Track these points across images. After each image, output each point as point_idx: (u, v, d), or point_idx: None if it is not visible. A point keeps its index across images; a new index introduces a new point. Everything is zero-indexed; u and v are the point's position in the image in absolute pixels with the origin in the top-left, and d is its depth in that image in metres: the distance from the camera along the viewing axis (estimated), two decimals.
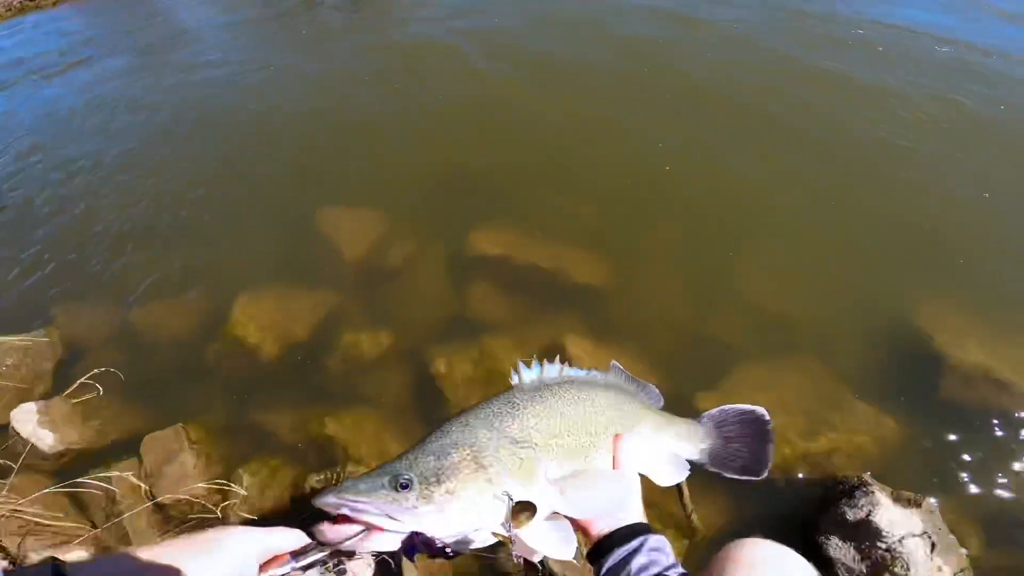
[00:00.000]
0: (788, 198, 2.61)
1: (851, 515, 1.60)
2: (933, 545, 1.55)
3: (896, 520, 1.58)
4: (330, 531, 0.75)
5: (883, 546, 1.54)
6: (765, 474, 1.12)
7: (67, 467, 2.19)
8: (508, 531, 0.78)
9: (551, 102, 3.60)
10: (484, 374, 2.11)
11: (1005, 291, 2.15)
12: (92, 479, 1.98)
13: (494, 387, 2.04)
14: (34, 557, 1.88)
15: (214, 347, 2.48)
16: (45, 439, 2.23)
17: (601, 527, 0.88)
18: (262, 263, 2.82)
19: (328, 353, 2.34)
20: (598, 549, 0.87)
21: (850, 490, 1.66)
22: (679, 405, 1.86)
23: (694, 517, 1.71)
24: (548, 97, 3.67)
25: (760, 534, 1.62)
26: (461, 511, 0.78)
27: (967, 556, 1.57)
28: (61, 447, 2.22)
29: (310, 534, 0.78)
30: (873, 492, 1.62)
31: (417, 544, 0.75)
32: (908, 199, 2.54)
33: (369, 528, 0.74)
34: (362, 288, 2.57)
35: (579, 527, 0.89)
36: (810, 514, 1.69)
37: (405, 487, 0.77)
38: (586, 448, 0.95)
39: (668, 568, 0.83)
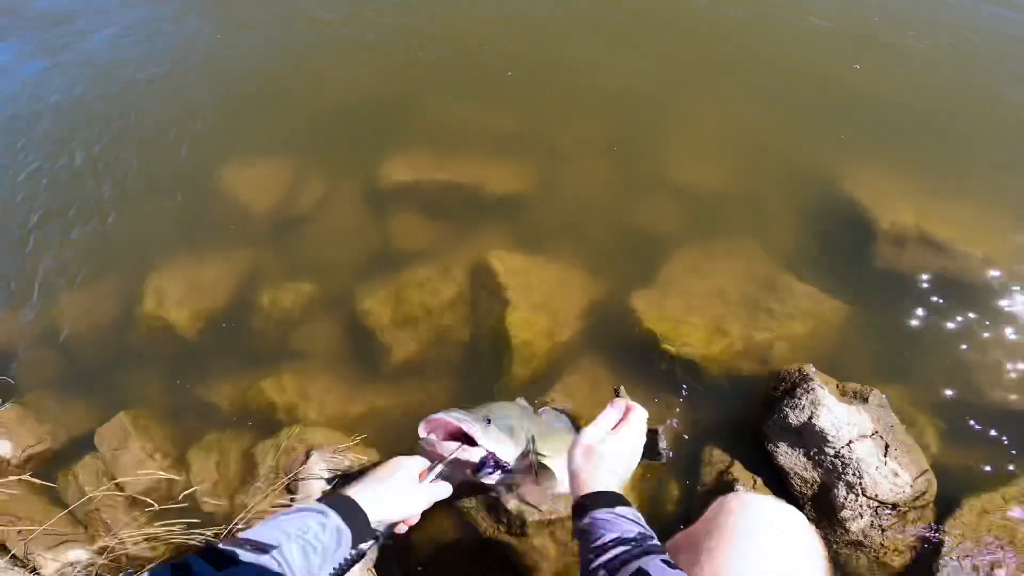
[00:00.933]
0: (706, 79, 2.45)
1: (794, 418, 1.47)
2: (887, 447, 1.42)
3: (841, 421, 1.44)
4: (442, 446, 1.14)
5: (831, 452, 1.42)
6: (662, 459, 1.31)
7: (36, 469, 2.13)
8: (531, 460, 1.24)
9: (446, 9, 3.27)
10: (415, 309, 1.98)
11: (935, 152, 2.05)
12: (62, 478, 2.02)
13: (428, 320, 1.95)
14: (41, 559, 2.01)
15: (135, 331, 2.31)
16: (3, 448, 2.17)
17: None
18: (166, 235, 2.59)
19: (252, 315, 2.18)
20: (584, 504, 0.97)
21: (791, 387, 1.52)
22: (617, 307, 1.83)
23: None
24: (441, 5, 3.30)
25: (715, 445, 1.67)
26: (515, 444, 1.23)
27: (928, 454, 1.47)
28: (21, 453, 2.14)
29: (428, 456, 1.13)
30: (814, 389, 1.48)
31: (488, 459, 1.15)
32: (828, 70, 2.39)
33: (464, 442, 1.14)
34: (275, 241, 2.37)
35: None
36: (754, 418, 1.59)
37: (488, 422, 1.20)
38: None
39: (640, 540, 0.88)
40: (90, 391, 2.28)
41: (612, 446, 1.06)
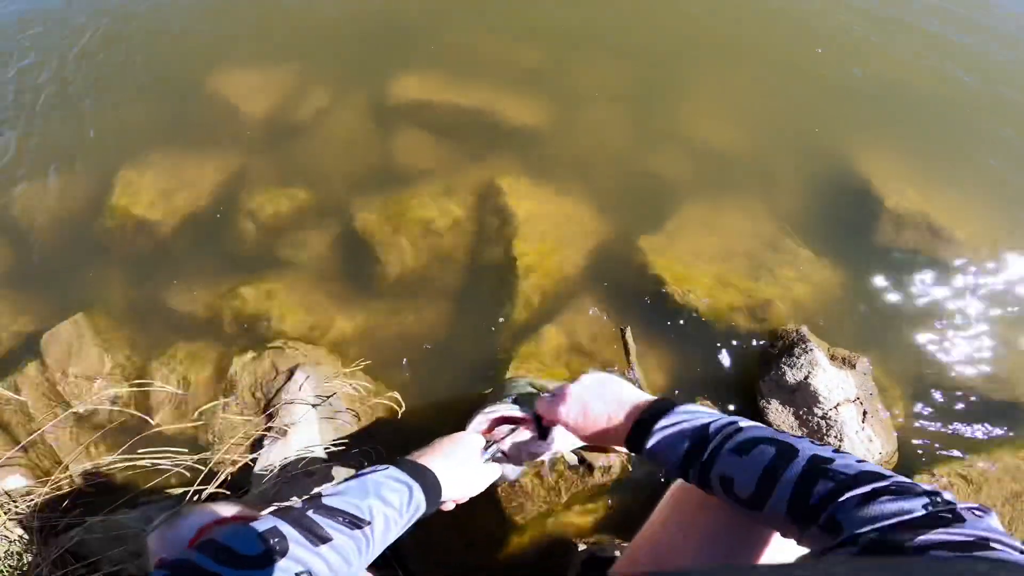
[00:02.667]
0: (734, 43, 2.36)
1: (791, 376, 1.49)
2: (864, 413, 1.45)
3: (833, 384, 1.47)
4: (499, 431, 1.10)
5: (819, 413, 1.45)
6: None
7: None
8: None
9: None
10: (415, 226, 1.87)
11: (947, 142, 2.05)
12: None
13: (428, 239, 1.84)
14: None
15: (102, 225, 2.11)
16: None
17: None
18: (148, 132, 2.37)
19: (236, 218, 2.01)
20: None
21: (789, 346, 1.54)
22: (624, 249, 1.77)
23: (640, 375, 1.65)
24: None
25: (705, 396, 1.66)
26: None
27: (894, 424, 1.51)
28: None
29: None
30: (812, 350, 1.50)
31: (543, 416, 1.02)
32: (860, 46, 2.34)
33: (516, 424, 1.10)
34: (270, 146, 2.20)
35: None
36: (752, 371, 1.59)
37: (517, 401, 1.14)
38: None
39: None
40: (43, 289, 2.06)
41: (576, 386, 0.93)
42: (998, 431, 1.54)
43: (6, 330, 2.01)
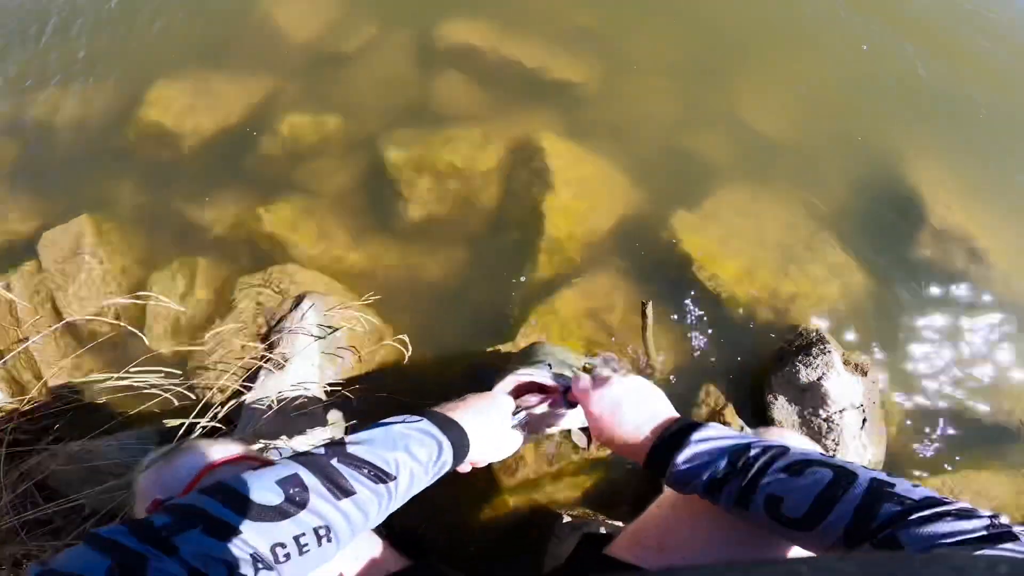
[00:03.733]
0: (798, 30, 2.24)
1: (804, 375, 1.44)
2: (864, 420, 1.43)
3: (843, 388, 1.43)
4: (530, 398, 1.01)
5: (824, 415, 1.41)
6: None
7: None
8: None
9: None
10: (445, 169, 1.80)
11: (1006, 162, 1.96)
12: None
13: (457, 183, 1.78)
14: None
15: (127, 132, 2.05)
16: None
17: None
18: (186, 47, 2.30)
19: (264, 139, 1.95)
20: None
21: (807, 345, 1.49)
22: (655, 222, 1.70)
23: (652, 352, 1.57)
24: None
25: (714, 384, 1.62)
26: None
27: (887, 436, 1.48)
28: None
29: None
30: (830, 352, 1.46)
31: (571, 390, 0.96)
32: (928, 50, 2.20)
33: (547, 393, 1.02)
34: (308, 73, 2.13)
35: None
36: (764, 365, 1.55)
37: (550, 367, 1.08)
38: None
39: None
40: (52, 191, 2.00)
41: (614, 388, 0.86)
42: (983, 456, 1.52)
43: (7, 229, 1.96)
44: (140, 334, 1.58)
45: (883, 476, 0.64)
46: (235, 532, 0.56)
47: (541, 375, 1.04)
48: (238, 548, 0.56)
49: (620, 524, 1.38)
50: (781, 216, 1.75)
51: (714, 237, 1.68)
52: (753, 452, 0.71)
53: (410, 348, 1.51)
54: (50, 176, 2.06)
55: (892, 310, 1.66)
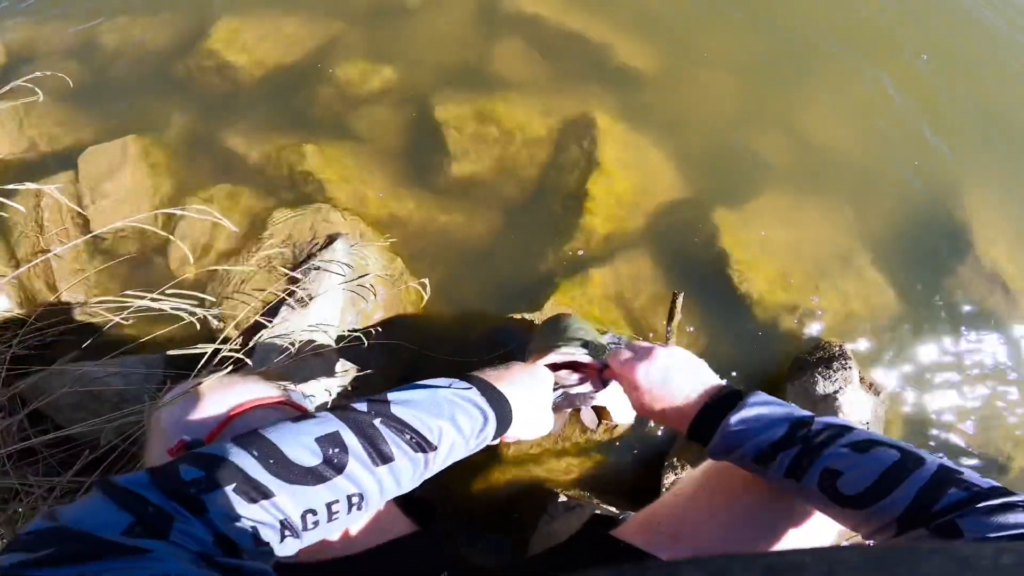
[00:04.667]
0: (876, 45, 2.17)
1: (822, 387, 1.43)
2: None
3: (856, 405, 1.41)
4: (569, 377, 1.01)
5: None
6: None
7: None
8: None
9: None
10: (494, 132, 1.78)
11: None
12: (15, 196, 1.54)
13: (504, 148, 1.76)
14: None
15: (187, 62, 2.06)
16: None
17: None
18: None
19: (319, 81, 1.95)
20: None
21: (828, 359, 1.48)
22: (695, 216, 1.68)
23: (673, 340, 1.57)
24: None
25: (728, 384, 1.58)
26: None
27: None
28: None
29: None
30: (850, 368, 1.44)
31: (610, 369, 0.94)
32: (1001, 76, 2.15)
33: (586, 371, 1.02)
34: (371, 22, 2.11)
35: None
36: (780, 372, 1.53)
37: (587, 346, 1.07)
38: None
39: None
40: (102, 109, 2.01)
41: (672, 352, 0.85)
42: None
43: (53, 139, 1.97)
44: (163, 255, 1.57)
45: (951, 464, 0.61)
46: (268, 495, 0.50)
47: (582, 355, 1.02)
48: (269, 513, 0.50)
49: (614, 509, 1.36)
50: (823, 228, 1.72)
51: (753, 240, 1.65)
52: (816, 425, 0.69)
53: (428, 291, 1.49)
54: (106, 98, 2.08)
55: (915, 337, 1.62)
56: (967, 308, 1.66)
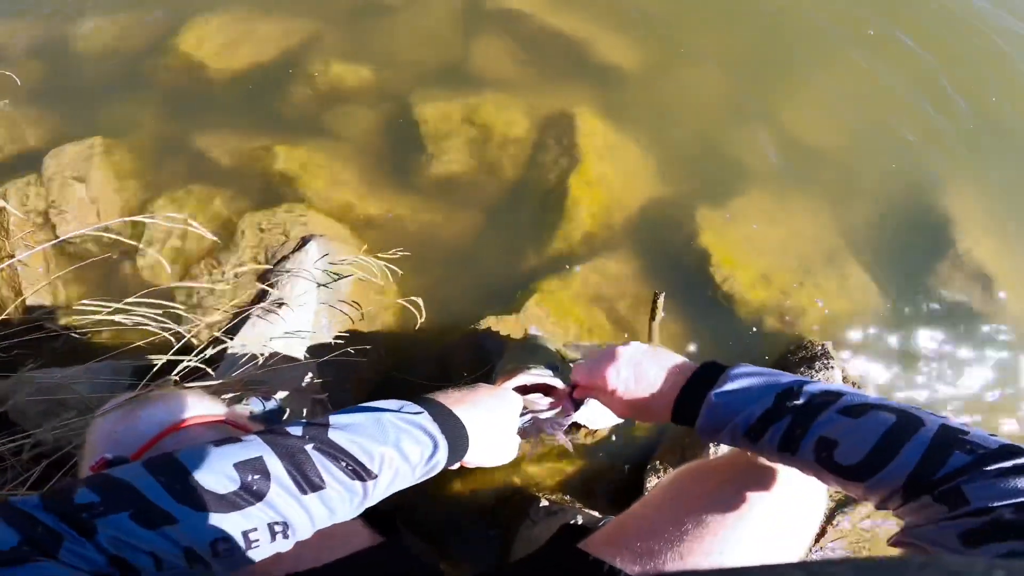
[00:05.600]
0: (863, 40, 2.16)
1: None
2: None
3: None
4: (539, 401, 0.95)
5: None
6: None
7: None
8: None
9: None
10: (474, 131, 1.75)
11: None
12: None
13: (484, 146, 1.73)
14: None
15: (155, 61, 2.02)
16: None
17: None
18: None
19: (294, 79, 1.91)
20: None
21: (811, 358, 1.46)
22: (677, 215, 1.64)
23: (657, 344, 1.54)
24: None
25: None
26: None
27: None
28: None
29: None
30: (833, 368, 1.42)
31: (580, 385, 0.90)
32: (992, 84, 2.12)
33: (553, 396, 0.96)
34: (350, 20, 2.07)
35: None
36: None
37: (556, 369, 0.99)
38: None
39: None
40: (69, 110, 1.96)
41: (630, 346, 0.81)
42: None
43: (17, 140, 1.91)
44: (131, 259, 1.51)
45: (955, 423, 0.56)
46: (170, 521, 0.49)
47: (552, 379, 0.95)
48: (168, 539, 0.49)
49: (596, 514, 1.33)
50: (807, 226, 1.70)
51: (736, 238, 1.63)
52: (807, 390, 0.63)
53: (423, 313, 1.38)
54: (74, 98, 2.03)
55: (898, 335, 1.61)
56: (949, 305, 1.65)
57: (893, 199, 1.80)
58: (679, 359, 0.79)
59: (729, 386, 0.68)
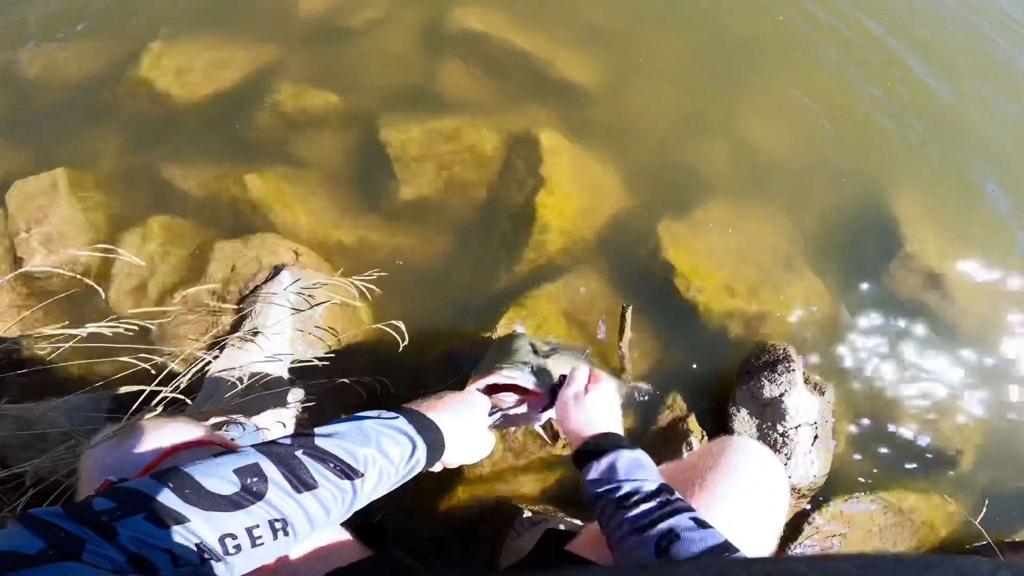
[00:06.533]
0: (817, 52, 2.25)
1: (768, 391, 1.47)
2: (816, 437, 1.48)
3: (802, 406, 1.47)
4: (506, 399, 1.05)
5: (781, 429, 1.45)
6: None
7: None
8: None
9: None
10: (441, 153, 1.77)
11: (988, 204, 1.99)
12: None
13: (451, 168, 1.76)
14: None
15: (118, 90, 1.98)
16: None
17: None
18: (193, 12, 2.24)
19: (259, 106, 1.90)
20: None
21: (773, 362, 1.52)
22: (642, 227, 1.70)
23: (627, 357, 1.55)
24: None
25: (680, 393, 1.65)
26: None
27: (833, 453, 1.51)
28: None
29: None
30: (794, 370, 1.48)
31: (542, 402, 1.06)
32: (942, 86, 2.23)
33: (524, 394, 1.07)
34: (312, 45, 2.08)
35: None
36: (730, 377, 1.57)
37: (529, 369, 1.08)
38: None
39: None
40: (30, 141, 1.92)
41: (596, 395, 0.97)
42: (919, 479, 1.56)
43: None
44: (101, 291, 1.50)
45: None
46: (181, 520, 0.53)
47: (524, 378, 1.04)
48: (182, 537, 0.52)
49: (579, 522, 1.37)
50: (765, 234, 1.76)
51: (698, 249, 1.69)
52: (643, 504, 0.77)
53: (406, 337, 1.40)
54: (34, 129, 1.99)
55: (854, 335, 1.68)
56: (902, 303, 1.73)
57: (845, 204, 1.88)
58: (608, 427, 0.93)
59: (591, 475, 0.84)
